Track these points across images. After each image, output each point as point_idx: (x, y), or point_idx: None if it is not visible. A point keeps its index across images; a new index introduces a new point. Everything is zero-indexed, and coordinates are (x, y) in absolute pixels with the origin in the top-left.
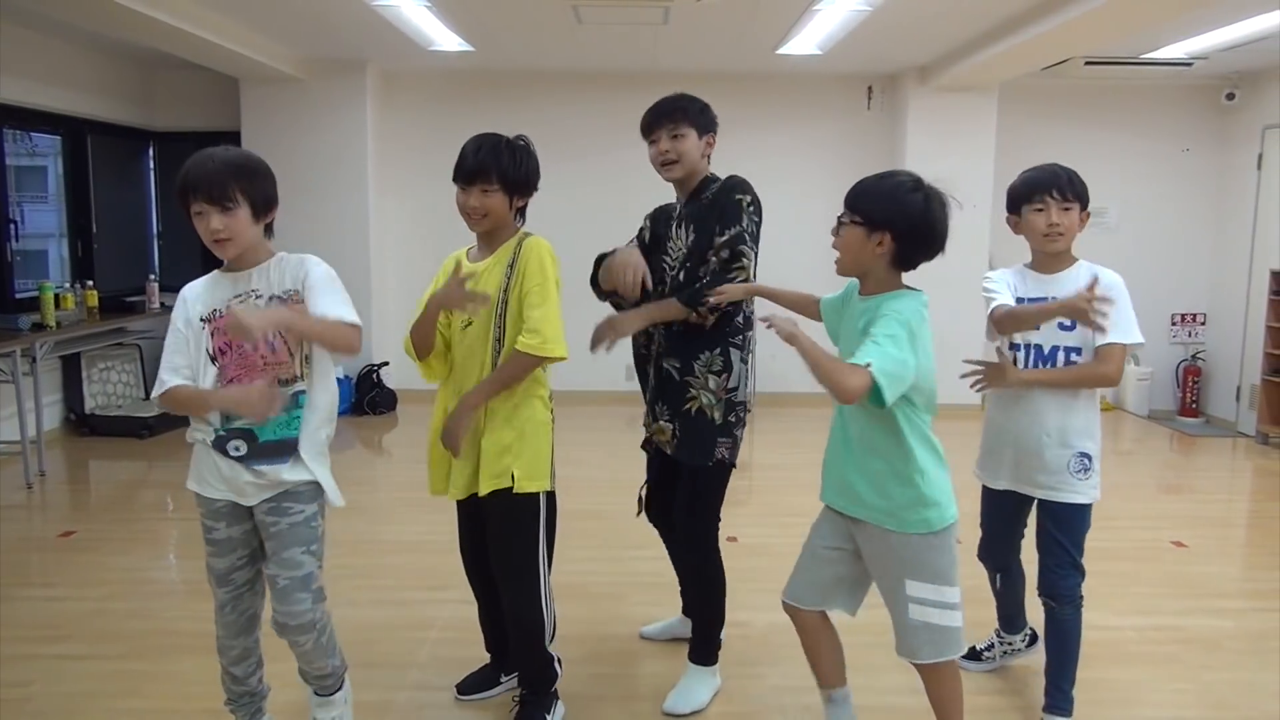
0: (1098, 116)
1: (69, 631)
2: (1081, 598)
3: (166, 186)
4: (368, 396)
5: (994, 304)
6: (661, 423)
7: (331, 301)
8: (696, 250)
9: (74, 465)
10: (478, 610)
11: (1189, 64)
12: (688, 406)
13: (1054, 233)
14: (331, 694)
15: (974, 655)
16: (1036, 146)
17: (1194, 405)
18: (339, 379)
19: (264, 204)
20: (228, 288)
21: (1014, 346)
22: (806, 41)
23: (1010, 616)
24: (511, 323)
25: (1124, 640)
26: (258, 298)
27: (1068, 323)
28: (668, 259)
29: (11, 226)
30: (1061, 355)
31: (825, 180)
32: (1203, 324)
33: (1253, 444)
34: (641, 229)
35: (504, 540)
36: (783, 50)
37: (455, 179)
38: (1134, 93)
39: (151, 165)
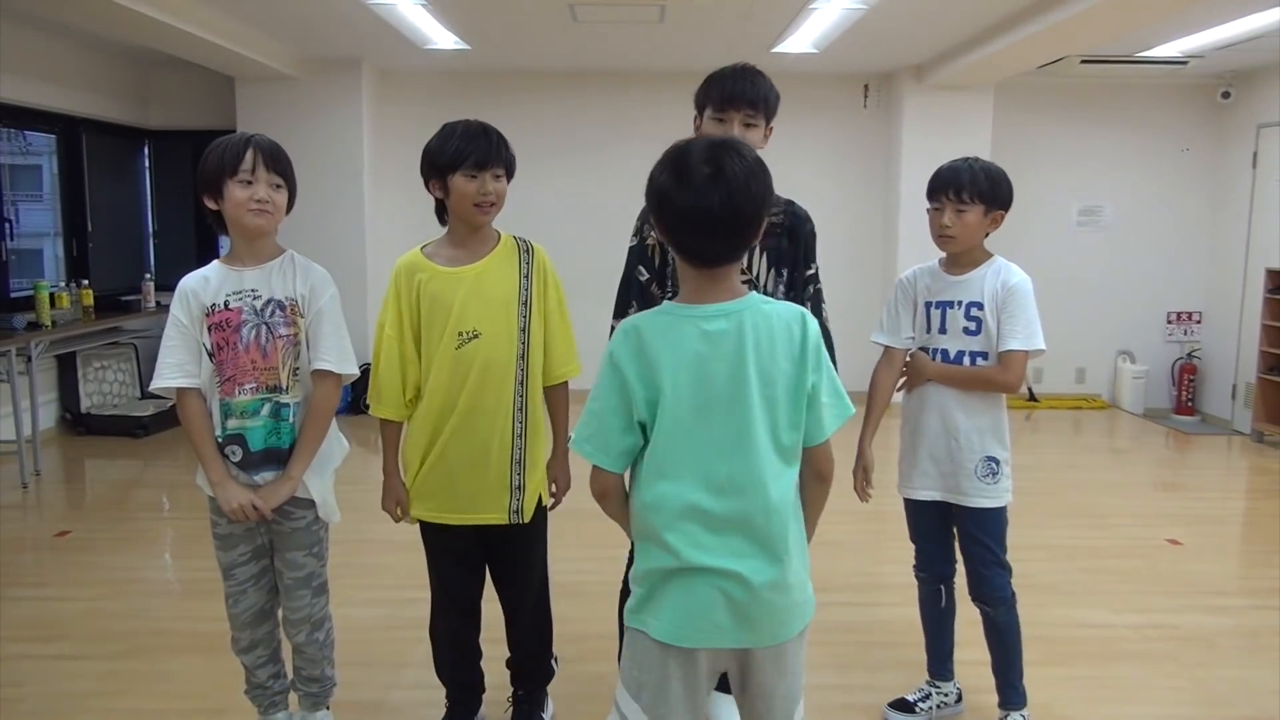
0: (1093, 115)
1: (64, 631)
2: (1013, 595)
3: (162, 185)
4: (362, 396)
5: (876, 337)
6: None
7: (330, 344)
8: (774, 272)
9: (69, 465)
10: (471, 637)
11: (1184, 63)
12: None
13: (944, 234)
14: (318, 709)
15: (905, 707)
16: (1032, 145)
17: (1189, 403)
18: None
19: (291, 200)
20: (228, 282)
21: (922, 349)
22: (802, 40)
23: (943, 655)
24: (535, 339)
25: (1120, 638)
26: (255, 298)
27: (973, 327)
28: None
29: (6, 225)
30: (967, 359)
31: (822, 180)
32: (1198, 322)
33: (1248, 442)
34: (645, 241)
35: (528, 553)
36: (778, 49)
37: (462, 164)
38: (1129, 91)
39: (147, 164)
